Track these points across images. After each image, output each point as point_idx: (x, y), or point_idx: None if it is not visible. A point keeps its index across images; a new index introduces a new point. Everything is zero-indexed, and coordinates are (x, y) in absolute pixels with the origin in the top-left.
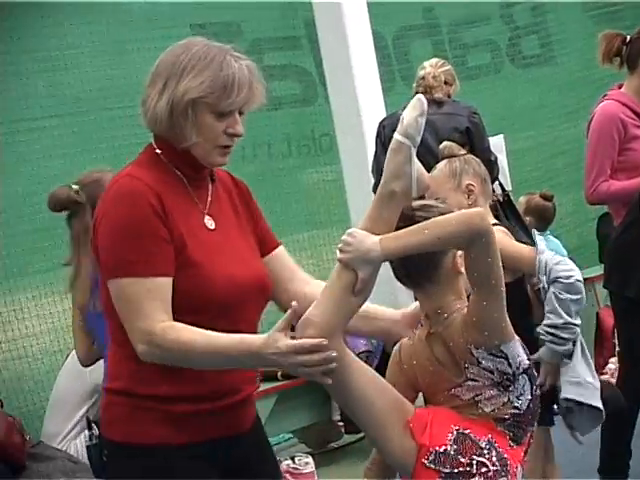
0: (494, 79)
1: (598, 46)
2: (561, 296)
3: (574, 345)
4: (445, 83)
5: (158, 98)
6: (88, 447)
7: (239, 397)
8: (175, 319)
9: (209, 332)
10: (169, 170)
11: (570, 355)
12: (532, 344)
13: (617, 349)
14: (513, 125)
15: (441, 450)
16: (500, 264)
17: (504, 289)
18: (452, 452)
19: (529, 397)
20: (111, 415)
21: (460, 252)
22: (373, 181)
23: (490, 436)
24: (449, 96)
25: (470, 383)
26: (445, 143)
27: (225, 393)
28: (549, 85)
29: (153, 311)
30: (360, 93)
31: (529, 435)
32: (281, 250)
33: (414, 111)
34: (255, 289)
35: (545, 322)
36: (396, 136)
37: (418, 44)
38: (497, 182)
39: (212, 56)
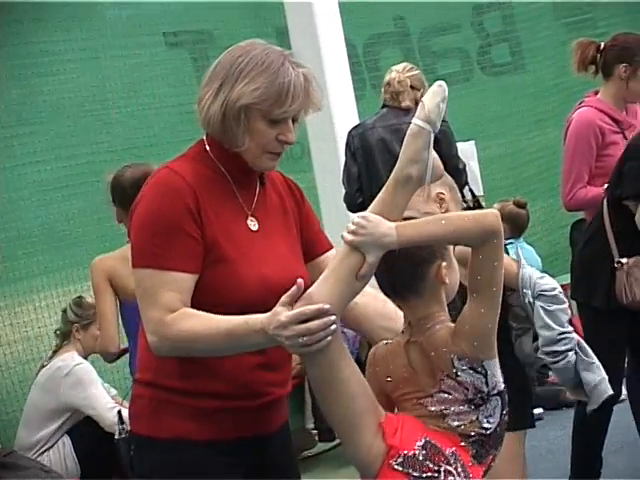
0: (464, 87)
1: (572, 55)
2: (549, 308)
3: (576, 353)
4: (412, 88)
5: (213, 100)
6: (117, 441)
7: (266, 400)
8: None
9: (216, 316)
10: (216, 168)
11: (575, 363)
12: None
13: None
14: (483, 133)
15: (409, 454)
16: (502, 273)
17: (500, 301)
18: (420, 457)
19: (497, 420)
20: (137, 408)
21: (445, 263)
22: (344, 190)
23: (454, 449)
24: (417, 102)
25: (442, 395)
26: None
27: (252, 393)
28: (519, 93)
29: (167, 302)
30: (333, 100)
31: (490, 458)
32: (329, 255)
33: (436, 97)
34: (288, 290)
35: (540, 343)
36: (417, 121)
37: (388, 52)
38: (467, 187)
39: (269, 62)
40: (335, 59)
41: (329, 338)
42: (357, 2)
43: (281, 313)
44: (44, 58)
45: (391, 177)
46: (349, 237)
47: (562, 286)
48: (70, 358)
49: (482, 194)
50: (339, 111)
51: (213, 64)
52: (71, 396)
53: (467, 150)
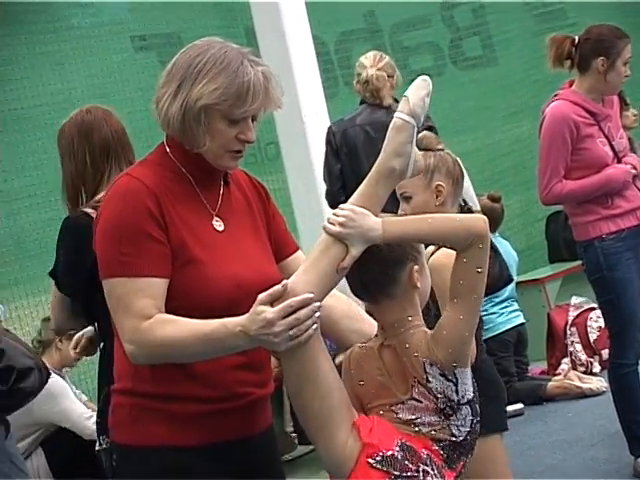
0: (437, 82)
1: (547, 50)
2: None
3: None
4: (388, 77)
5: (171, 101)
6: (98, 452)
7: (247, 400)
8: None
9: (193, 321)
10: (177, 170)
11: None
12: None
13: (569, 349)
14: (457, 127)
15: (388, 454)
16: (485, 282)
17: (480, 309)
18: (399, 457)
19: (468, 429)
20: (117, 417)
21: (417, 266)
22: (325, 187)
23: (428, 452)
24: (392, 87)
25: (413, 403)
26: (424, 133)
27: (232, 395)
28: (492, 86)
29: (142, 309)
30: (303, 100)
31: (461, 464)
32: (299, 255)
33: (421, 90)
34: (262, 292)
35: None
36: (401, 115)
37: (360, 49)
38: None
39: (228, 61)
40: (303, 57)
41: (315, 326)
42: (326, 0)
43: (264, 312)
44: (6, 66)
45: (373, 169)
46: (335, 228)
47: (539, 280)
48: None
49: (478, 209)
50: (309, 110)
51: (170, 63)
52: (45, 411)
53: None
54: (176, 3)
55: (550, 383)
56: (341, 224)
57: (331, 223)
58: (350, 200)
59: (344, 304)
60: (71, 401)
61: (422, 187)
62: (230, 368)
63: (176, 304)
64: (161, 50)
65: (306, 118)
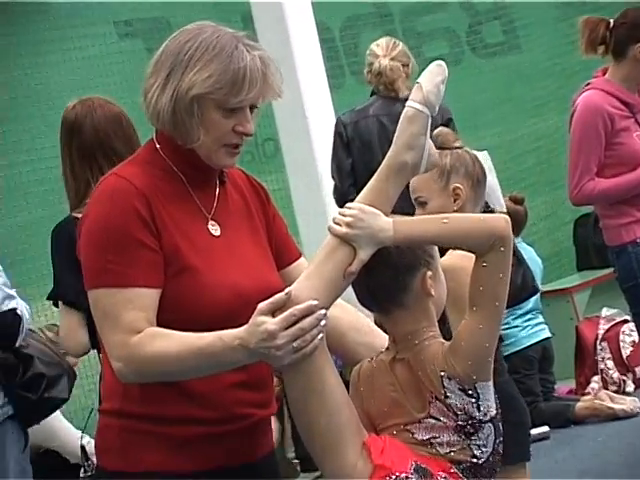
0: (454, 71)
1: (579, 34)
2: None
3: None
4: (403, 66)
5: (161, 91)
6: (83, 479)
7: (248, 423)
8: None
9: (186, 334)
10: (168, 168)
11: None
12: None
13: (600, 366)
14: (475, 121)
15: (402, 476)
16: (507, 289)
17: (502, 318)
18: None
19: (490, 450)
20: (105, 440)
21: (430, 272)
22: (329, 186)
23: (445, 475)
24: (407, 76)
25: (430, 421)
26: (440, 129)
27: (231, 416)
28: (515, 75)
29: (131, 322)
30: (305, 92)
31: None
32: (302, 262)
33: (435, 77)
34: (263, 301)
35: None
36: (413, 104)
37: (368, 35)
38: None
39: (222, 46)
40: (306, 45)
41: (321, 336)
42: None
43: (265, 322)
44: None
45: (383, 164)
46: (342, 229)
47: (566, 289)
48: None
49: (504, 211)
50: (313, 103)
51: (158, 51)
52: (32, 429)
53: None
54: None
55: (579, 404)
56: (348, 224)
57: (337, 223)
58: (357, 198)
59: (351, 315)
60: (59, 420)
61: (438, 191)
62: (229, 387)
63: (169, 316)
64: (148, 36)
65: (309, 112)
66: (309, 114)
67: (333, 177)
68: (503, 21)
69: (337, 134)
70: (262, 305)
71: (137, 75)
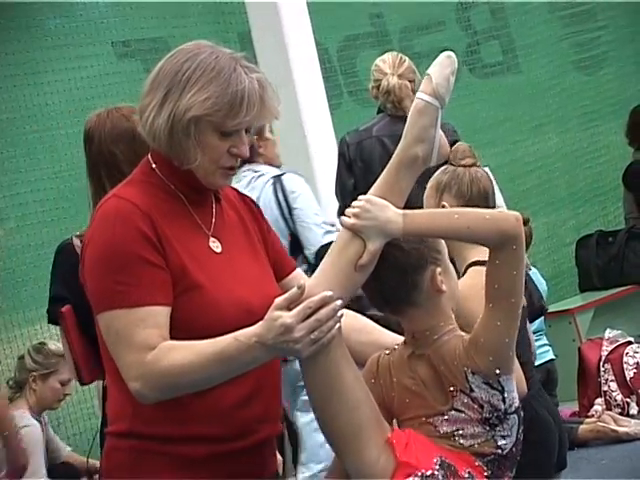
0: (452, 91)
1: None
2: None
3: None
4: (409, 82)
5: (157, 112)
6: None
7: (257, 438)
8: None
9: (199, 342)
10: (166, 187)
11: None
12: None
13: (603, 388)
14: (475, 142)
15: (427, 473)
16: (523, 283)
17: (521, 313)
18: (440, 477)
19: (514, 440)
20: (113, 462)
21: (439, 269)
22: (339, 204)
23: (470, 470)
24: (413, 92)
25: (454, 414)
26: (458, 145)
27: (240, 433)
28: (514, 96)
29: (145, 340)
30: (304, 112)
31: None
32: (298, 273)
33: (445, 69)
34: None
35: None
36: (422, 96)
37: (366, 55)
38: None
39: (220, 67)
40: (305, 65)
41: (338, 325)
42: (328, 0)
43: (280, 317)
44: None
45: (394, 157)
46: (350, 221)
47: (569, 310)
48: (19, 417)
49: None
50: (312, 124)
51: (154, 69)
52: None
53: None
54: (162, 4)
55: (582, 426)
56: (355, 215)
57: (347, 216)
58: (369, 192)
59: (349, 317)
60: (38, 458)
61: (433, 205)
62: (236, 402)
63: (178, 335)
64: (146, 57)
65: (308, 132)
66: (309, 134)
67: (337, 197)
68: (502, 41)
69: (340, 155)
70: (278, 300)
71: (135, 96)
